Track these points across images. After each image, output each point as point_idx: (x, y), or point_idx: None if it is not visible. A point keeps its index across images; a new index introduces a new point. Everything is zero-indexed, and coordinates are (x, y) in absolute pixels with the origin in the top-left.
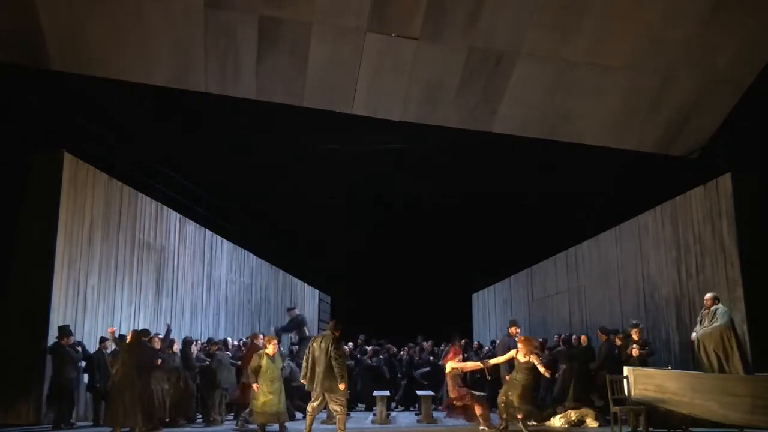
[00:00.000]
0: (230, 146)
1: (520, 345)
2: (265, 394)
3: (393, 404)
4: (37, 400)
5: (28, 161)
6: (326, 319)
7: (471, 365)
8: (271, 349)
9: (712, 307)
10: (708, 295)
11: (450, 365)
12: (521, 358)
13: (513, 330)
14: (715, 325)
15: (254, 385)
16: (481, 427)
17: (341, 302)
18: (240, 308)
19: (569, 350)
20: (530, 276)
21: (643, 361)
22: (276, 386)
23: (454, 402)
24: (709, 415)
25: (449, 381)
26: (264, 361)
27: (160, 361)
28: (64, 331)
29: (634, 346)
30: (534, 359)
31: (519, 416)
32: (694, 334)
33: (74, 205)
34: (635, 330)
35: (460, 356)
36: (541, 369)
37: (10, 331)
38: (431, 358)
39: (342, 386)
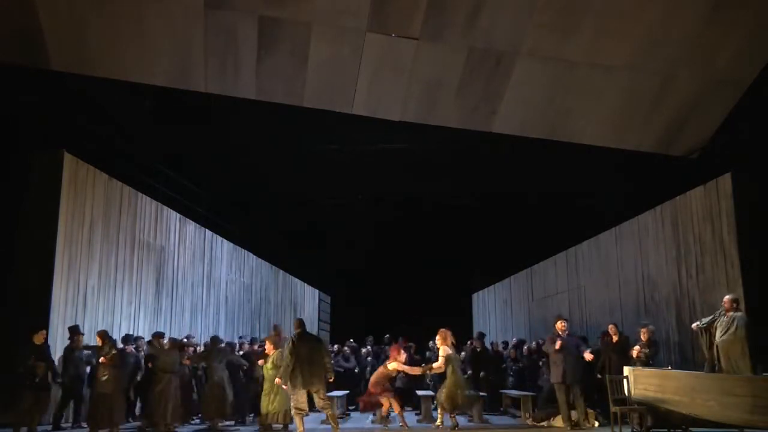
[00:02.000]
0: (230, 146)
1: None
2: (265, 394)
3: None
4: None
5: (28, 161)
6: (326, 319)
7: (413, 369)
8: (268, 349)
9: (731, 313)
10: (727, 297)
11: (394, 366)
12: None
13: (560, 325)
14: (738, 334)
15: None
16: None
17: (341, 302)
18: (240, 308)
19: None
20: (530, 276)
21: (646, 362)
22: (271, 385)
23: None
24: (709, 415)
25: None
26: (267, 362)
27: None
28: (75, 330)
29: (636, 346)
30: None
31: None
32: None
33: (74, 205)
34: (644, 330)
35: (404, 356)
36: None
37: (9, 331)
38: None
39: (332, 378)
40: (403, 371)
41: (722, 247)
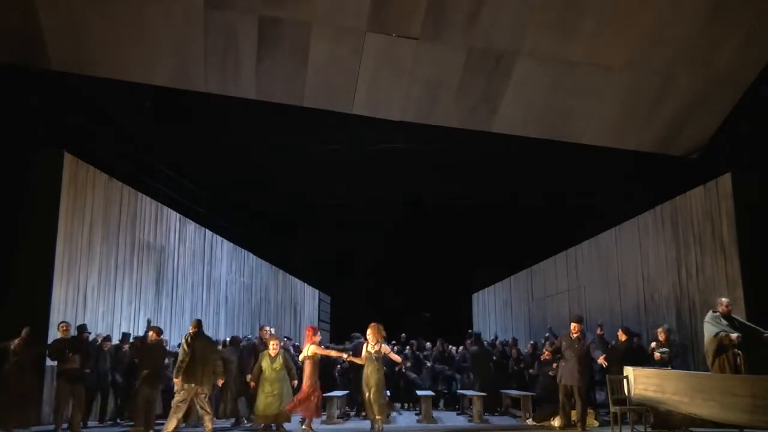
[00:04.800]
0: (231, 146)
1: (369, 333)
2: (266, 395)
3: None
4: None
5: (28, 161)
6: (326, 319)
7: (335, 352)
8: (271, 349)
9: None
10: (724, 300)
11: (311, 349)
12: (371, 348)
13: (574, 328)
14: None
15: (251, 384)
16: (304, 427)
17: (341, 302)
18: (240, 308)
19: None
20: (530, 276)
21: (665, 364)
22: (276, 387)
23: (305, 395)
24: (709, 415)
25: (307, 368)
26: (265, 362)
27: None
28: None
29: (653, 347)
30: (385, 349)
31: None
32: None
33: (74, 205)
34: (660, 330)
35: (318, 338)
36: (394, 357)
37: (10, 331)
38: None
39: (221, 382)
40: (325, 353)
41: (722, 247)
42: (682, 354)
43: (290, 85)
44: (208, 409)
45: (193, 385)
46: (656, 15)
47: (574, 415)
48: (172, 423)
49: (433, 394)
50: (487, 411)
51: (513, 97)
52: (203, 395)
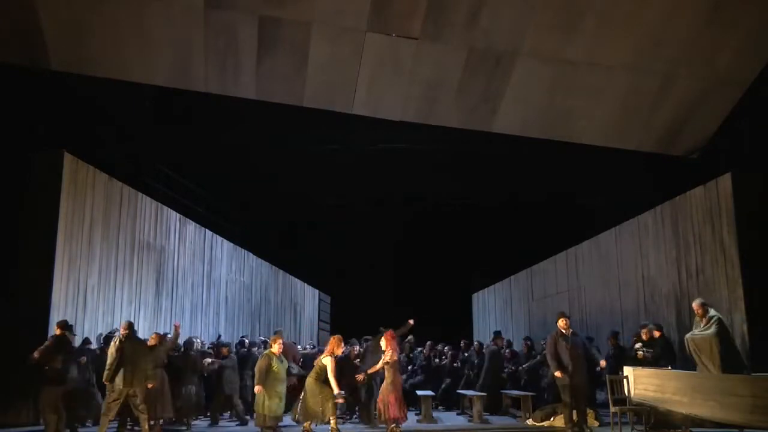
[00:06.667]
0: (231, 146)
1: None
2: (273, 395)
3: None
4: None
5: (28, 161)
6: (326, 319)
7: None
8: (276, 348)
9: (708, 315)
10: (696, 303)
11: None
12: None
13: (562, 323)
14: (706, 333)
15: (257, 387)
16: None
17: (341, 302)
18: (240, 308)
19: None
20: (530, 276)
21: (653, 363)
22: (283, 387)
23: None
24: (709, 415)
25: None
26: (275, 363)
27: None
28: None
29: (637, 346)
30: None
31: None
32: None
33: (74, 205)
34: (644, 330)
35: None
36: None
37: (10, 331)
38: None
39: (151, 385)
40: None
41: (722, 247)
42: (681, 354)
43: (290, 85)
44: (142, 410)
45: (122, 387)
46: (656, 15)
47: (574, 414)
48: (103, 425)
49: (433, 394)
50: (487, 411)
51: (513, 97)
52: (135, 397)
